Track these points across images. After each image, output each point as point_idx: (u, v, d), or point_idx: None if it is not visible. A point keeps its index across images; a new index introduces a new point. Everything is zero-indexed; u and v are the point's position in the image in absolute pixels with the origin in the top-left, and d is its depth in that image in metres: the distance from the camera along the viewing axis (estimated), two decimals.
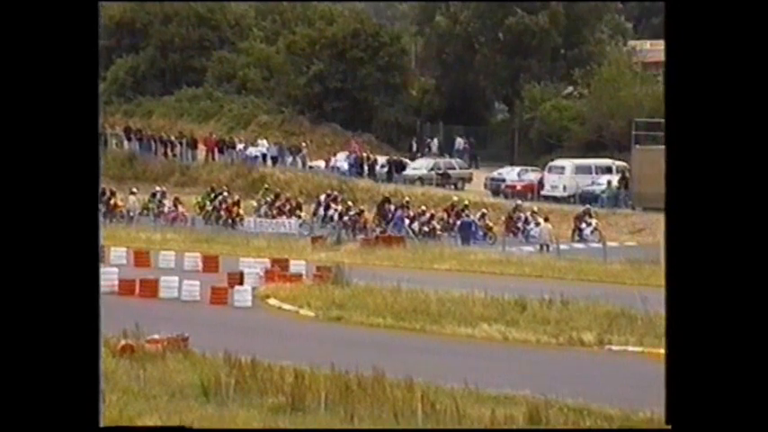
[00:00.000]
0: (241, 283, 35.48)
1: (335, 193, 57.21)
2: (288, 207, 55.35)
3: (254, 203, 56.99)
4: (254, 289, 34.84)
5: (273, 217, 55.05)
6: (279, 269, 38.01)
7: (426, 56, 76.89)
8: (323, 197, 56.50)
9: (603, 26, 72.64)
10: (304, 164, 65.69)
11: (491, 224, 51.52)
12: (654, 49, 77.97)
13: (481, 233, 50.80)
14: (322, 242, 47.86)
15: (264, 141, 68.48)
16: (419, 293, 32.40)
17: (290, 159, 66.60)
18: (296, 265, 38.92)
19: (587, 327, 28.28)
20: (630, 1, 79.34)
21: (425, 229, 51.63)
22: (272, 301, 33.91)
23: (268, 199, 56.87)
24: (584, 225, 51.30)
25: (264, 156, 67.23)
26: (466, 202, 53.29)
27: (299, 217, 54.41)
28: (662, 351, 30.11)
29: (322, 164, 66.22)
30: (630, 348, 26.97)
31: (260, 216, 55.76)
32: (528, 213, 52.11)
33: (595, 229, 51.07)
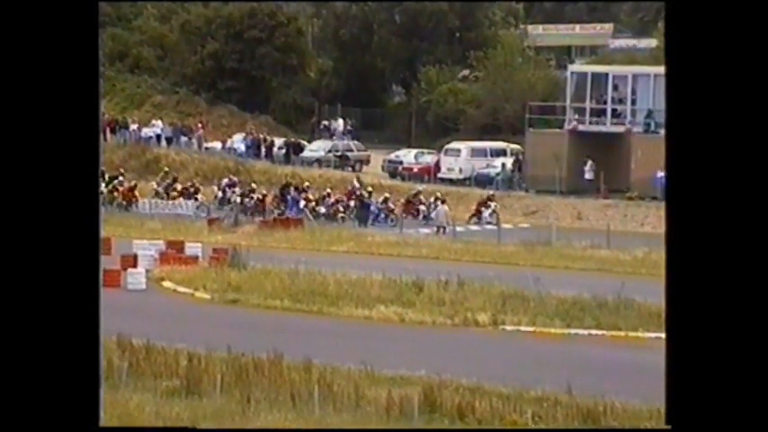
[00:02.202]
0: (135, 265, 35.15)
1: (235, 179, 56.91)
2: (188, 190, 54.90)
3: (154, 186, 56.45)
4: (148, 271, 34.55)
5: (171, 199, 54.60)
6: (174, 251, 37.71)
7: (324, 37, 76.75)
8: (224, 181, 56.17)
9: (497, 9, 73.06)
10: (200, 145, 65.22)
11: (393, 207, 51.67)
12: (545, 34, 78.74)
13: (383, 215, 50.94)
14: (219, 224, 47.59)
15: (159, 122, 67.84)
16: (317, 275, 32.41)
17: (184, 140, 66.09)
18: (192, 248, 38.65)
19: (482, 307, 28.57)
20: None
21: (329, 211, 51.63)
22: (166, 284, 33.68)
23: (167, 182, 56.38)
24: (482, 208, 51.65)
25: (159, 136, 66.63)
26: (370, 189, 53.37)
27: (197, 199, 54.03)
28: (552, 330, 30.49)
29: (218, 145, 65.82)
30: (523, 328, 27.31)
31: (156, 197, 55.27)
32: (428, 197, 52.38)
33: (494, 211, 51.49)
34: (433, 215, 49.83)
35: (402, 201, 53.06)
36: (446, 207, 49.76)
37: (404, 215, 51.16)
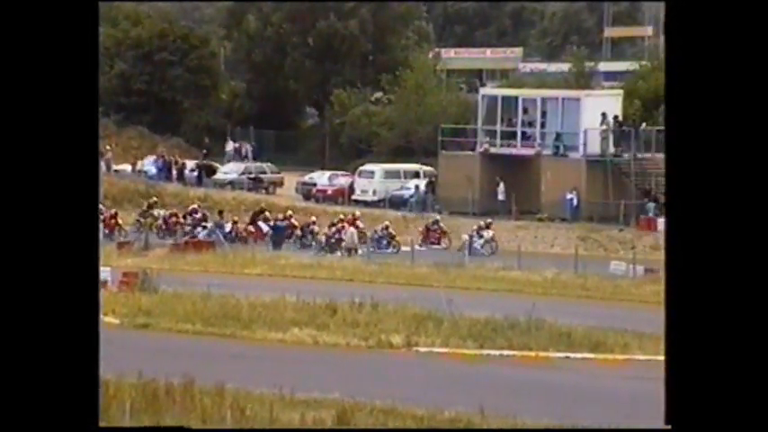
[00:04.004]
0: None
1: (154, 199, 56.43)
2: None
3: None
4: None
5: None
6: None
7: (236, 59, 76.48)
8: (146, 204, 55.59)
9: (410, 32, 73.37)
10: (108, 167, 64.58)
11: (316, 229, 51.46)
12: (457, 57, 79.32)
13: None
14: (129, 247, 47.10)
15: None
16: (229, 298, 32.16)
17: None
18: (100, 272, 38.06)
19: (396, 329, 28.54)
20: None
21: (240, 234, 51.36)
22: None
23: None
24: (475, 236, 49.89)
25: None
26: (290, 212, 53.18)
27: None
28: (465, 351, 30.46)
29: (128, 167, 65.24)
30: (436, 349, 27.34)
31: None
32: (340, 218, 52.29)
33: (488, 240, 49.55)
34: (344, 237, 49.74)
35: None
36: (354, 229, 49.74)
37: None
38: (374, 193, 59.54)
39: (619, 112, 55.80)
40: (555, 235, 51.84)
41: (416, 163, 61.39)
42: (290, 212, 52.81)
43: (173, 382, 20.93)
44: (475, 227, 49.34)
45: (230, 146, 68.24)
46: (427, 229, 51.62)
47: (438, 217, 52.80)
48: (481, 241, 48.49)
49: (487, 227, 49.65)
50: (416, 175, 60.01)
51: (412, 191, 58.55)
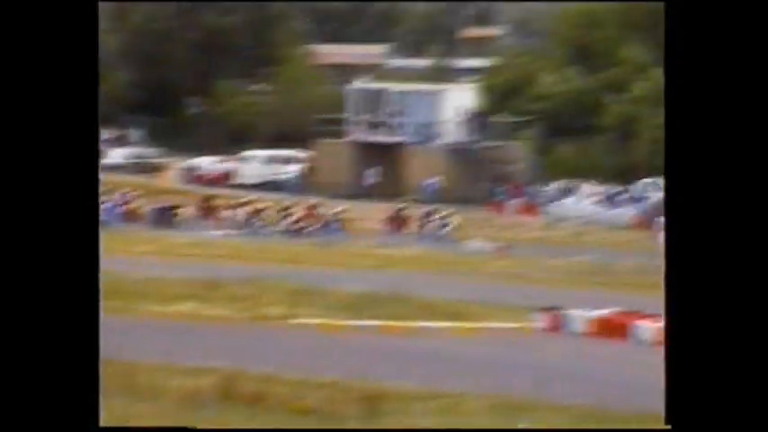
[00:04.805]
0: None
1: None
2: None
3: None
4: None
5: None
6: None
7: (122, 51, 75.34)
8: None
9: (286, 29, 73.32)
10: None
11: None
12: (330, 53, 79.31)
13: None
14: None
15: None
16: (114, 275, 31.59)
17: None
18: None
19: (275, 303, 28.38)
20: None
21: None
22: None
23: None
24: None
25: None
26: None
27: None
28: (339, 322, 30.43)
29: None
30: (312, 321, 27.34)
31: None
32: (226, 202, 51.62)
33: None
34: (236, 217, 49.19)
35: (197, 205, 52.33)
36: (242, 210, 49.34)
37: (203, 218, 50.51)
38: (254, 177, 59.33)
39: (474, 105, 56.71)
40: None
41: (293, 150, 61.34)
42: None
43: None
44: (437, 216, 47.58)
45: (115, 133, 67.28)
46: (391, 217, 49.48)
47: (403, 205, 50.16)
48: (448, 228, 46.68)
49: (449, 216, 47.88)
50: (293, 160, 60.13)
51: (290, 175, 58.69)
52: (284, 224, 47.53)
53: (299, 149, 60.72)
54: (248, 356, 21.74)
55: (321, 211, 49.09)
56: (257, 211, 48.84)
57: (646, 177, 52.83)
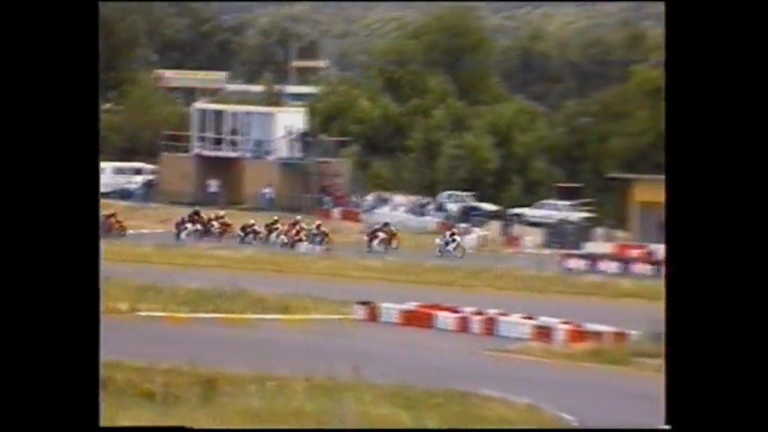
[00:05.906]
0: None
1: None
2: None
3: None
4: None
5: None
6: None
7: None
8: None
9: (135, 54, 73.03)
10: None
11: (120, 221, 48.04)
12: (174, 78, 79.34)
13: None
14: None
15: None
16: None
17: None
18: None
19: (121, 298, 27.99)
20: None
21: None
22: None
23: None
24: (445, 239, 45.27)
25: None
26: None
27: None
28: (180, 315, 30.01)
29: None
30: (155, 314, 27.23)
31: None
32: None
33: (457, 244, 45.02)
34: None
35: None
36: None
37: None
38: (105, 186, 58.54)
39: (303, 126, 58.37)
40: (254, 221, 52.26)
41: (141, 162, 61.18)
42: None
43: None
44: (448, 232, 45.31)
45: None
46: (373, 232, 45.99)
47: (387, 221, 47.09)
48: (453, 245, 44.47)
49: (458, 234, 45.37)
50: (141, 171, 60.20)
51: (138, 185, 58.65)
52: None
53: (146, 162, 60.41)
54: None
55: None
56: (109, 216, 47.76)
57: (447, 190, 55.85)
